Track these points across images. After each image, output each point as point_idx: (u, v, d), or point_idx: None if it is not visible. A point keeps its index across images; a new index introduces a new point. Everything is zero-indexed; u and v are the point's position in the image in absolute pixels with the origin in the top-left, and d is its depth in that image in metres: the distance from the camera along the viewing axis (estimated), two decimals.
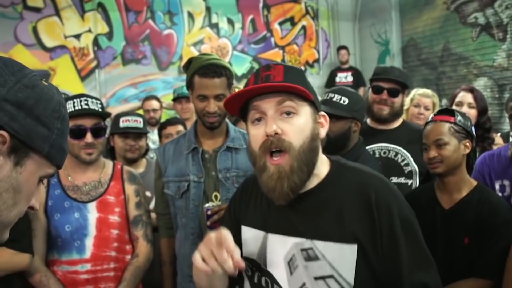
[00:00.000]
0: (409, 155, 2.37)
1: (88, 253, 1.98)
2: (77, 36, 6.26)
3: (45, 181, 2.02)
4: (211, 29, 6.97)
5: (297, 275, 1.17)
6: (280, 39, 7.55)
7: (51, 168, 0.84)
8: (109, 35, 6.41)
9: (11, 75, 0.77)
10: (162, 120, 4.79)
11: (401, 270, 1.13)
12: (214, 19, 6.98)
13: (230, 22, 7.09)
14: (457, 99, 2.89)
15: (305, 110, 1.17)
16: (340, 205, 1.16)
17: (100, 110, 2.00)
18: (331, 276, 1.13)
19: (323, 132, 1.22)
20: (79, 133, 1.95)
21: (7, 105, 0.74)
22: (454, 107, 2.71)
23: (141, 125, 2.72)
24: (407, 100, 3.39)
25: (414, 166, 2.36)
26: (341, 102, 2.10)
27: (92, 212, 2.01)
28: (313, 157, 1.17)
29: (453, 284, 1.82)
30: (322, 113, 1.23)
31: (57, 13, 6.15)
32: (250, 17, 7.25)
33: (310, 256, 1.16)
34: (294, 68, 1.23)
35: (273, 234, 1.23)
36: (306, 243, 1.16)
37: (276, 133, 1.13)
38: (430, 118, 2.04)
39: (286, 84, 1.14)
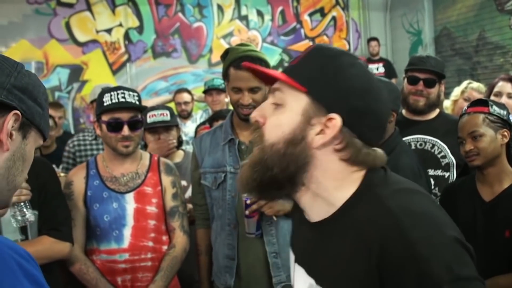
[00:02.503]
0: (446, 147, 2.33)
1: (126, 243, 2.02)
2: (109, 31, 6.35)
3: (84, 172, 2.06)
4: (241, 21, 6.97)
5: None
6: (310, 30, 7.49)
7: (41, 140, 1.01)
8: (140, 29, 6.48)
9: (11, 67, 0.92)
10: (194, 112, 4.83)
11: None
12: (244, 11, 6.97)
13: (260, 14, 7.07)
14: (496, 89, 2.81)
15: (295, 104, 0.93)
16: (348, 250, 0.90)
17: (136, 102, 2.02)
18: None
19: (318, 139, 0.91)
20: (116, 126, 1.98)
21: (15, 91, 0.90)
22: (492, 97, 2.64)
23: (168, 117, 2.73)
24: (458, 91, 3.30)
25: (451, 158, 2.31)
26: None
27: (130, 203, 2.04)
28: (290, 164, 0.92)
29: (493, 278, 1.78)
30: (332, 116, 0.91)
31: (89, 8, 6.25)
32: (280, 8, 7.20)
33: None
34: (321, 53, 0.96)
35: (297, 265, 1.06)
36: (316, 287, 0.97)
37: (256, 121, 0.98)
38: (463, 111, 1.99)
39: (266, 71, 0.99)
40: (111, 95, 1.98)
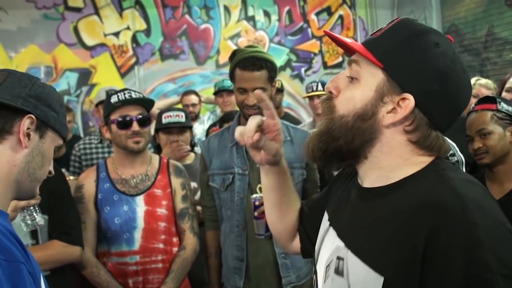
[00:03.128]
0: (454, 145, 2.31)
1: (137, 245, 2.03)
2: (116, 34, 6.38)
3: (94, 175, 2.08)
4: (248, 22, 6.97)
5: (327, 286, 0.99)
6: (317, 29, 7.46)
7: (61, 140, 1.19)
8: (147, 32, 6.50)
9: (27, 80, 1.13)
10: (202, 114, 4.85)
11: None
12: (250, 12, 6.97)
13: (267, 14, 7.06)
14: (508, 85, 2.77)
15: (371, 79, 0.91)
16: (393, 221, 0.87)
17: (144, 99, 2.05)
18: None
19: (388, 118, 0.90)
20: (125, 123, 2.00)
21: (30, 99, 1.10)
22: (504, 93, 2.61)
23: (183, 119, 2.75)
24: None
25: (460, 156, 2.29)
26: None
27: (140, 205, 2.05)
28: (356, 137, 0.92)
29: None
30: (406, 95, 0.88)
31: (97, 12, 6.28)
32: (286, 8, 7.19)
33: (338, 269, 0.96)
34: (405, 29, 0.92)
35: (331, 228, 1.04)
36: (343, 250, 0.96)
37: (330, 91, 0.97)
38: (471, 108, 1.98)
39: (345, 41, 0.95)
40: (118, 95, 2.02)
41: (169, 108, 2.89)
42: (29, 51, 5.98)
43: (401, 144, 0.92)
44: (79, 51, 6.20)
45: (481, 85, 3.16)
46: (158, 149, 2.85)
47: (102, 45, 6.32)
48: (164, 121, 2.72)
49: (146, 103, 2.09)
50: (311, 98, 3.94)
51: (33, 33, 5.98)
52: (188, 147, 2.78)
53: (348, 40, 0.95)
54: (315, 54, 7.44)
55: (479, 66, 6.61)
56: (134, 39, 6.45)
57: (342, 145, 0.93)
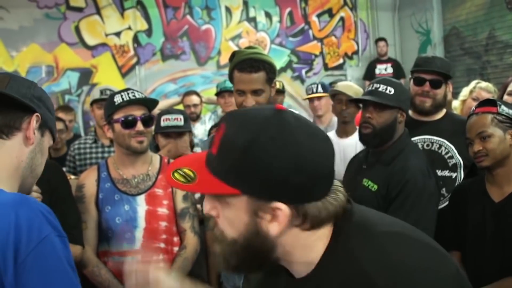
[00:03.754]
0: (453, 147, 2.32)
1: (138, 245, 2.04)
2: (118, 34, 6.40)
3: (95, 174, 2.09)
4: (249, 23, 6.98)
5: None
6: (318, 31, 7.48)
7: (52, 141, 1.27)
8: (148, 32, 6.52)
9: (30, 82, 1.20)
10: (203, 114, 4.85)
11: None
12: (252, 13, 6.99)
13: (268, 15, 7.08)
14: (509, 88, 2.77)
15: (238, 201, 0.87)
16: None
17: (147, 99, 2.06)
18: None
19: (274, 227, 0.86)
20: (129, 122, 2.01)
21: (35, 99, 1.16)
22: (506, 96, 2.61)
23: (181, 122, 2.73)
24: (466, 91, 3.27)
25: (458, 159, 2.30)
26: (387, 92, 2.08)
27: (141, 205, 2.06)
28: (257, 255, 0.89)
29: (502, 280, 1.77)
30: (276, 205, 0.85)
31: (98, 12, 6.30)
32: (288, 9, 7.21)
33: None
34: (231, 138, 0.86)
35: None
36: None
37: (212, 215, 0.93)
38: (471, 111, 1.98)
39: (188, 188, 0.90)
40: (121, 95, 2.02)
41: (168, 111, 2.88)
42: (31, 50, 5.99)
43: (298, 236, 0.89)
44: (80, 50, 6.22)
45: (482, 88, 3.17)
46: (157, 150, 2.85)
47: (103, 45, 6.34)
48: (162, 124, 2.71)
49: (149, 103, 2.10)
50: (311, 100, 3.95)
51: (35, 32, 6.00)
52: (188, 148, 2.78)
53: (194, 190, 0.93)
54: (316, 56, 7.46)
55: (479, 69, 6.62)
56: (135, 39, 6.47)
57: (250, 261, 0.91)
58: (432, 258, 0.86)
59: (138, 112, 2.02)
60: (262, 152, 0.83)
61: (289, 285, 0.97)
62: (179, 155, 2.73)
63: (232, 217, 0.88)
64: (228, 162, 0.85)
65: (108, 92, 3.14)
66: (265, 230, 0.87)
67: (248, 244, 0.88)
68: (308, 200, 0.86)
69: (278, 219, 0.85)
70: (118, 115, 2.01)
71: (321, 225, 0.89)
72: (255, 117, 0.86)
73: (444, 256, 0.88)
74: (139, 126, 2.01)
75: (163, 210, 2.09)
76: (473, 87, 3.23)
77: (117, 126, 2.02)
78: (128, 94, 2.02)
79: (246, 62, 1.95)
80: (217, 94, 4.17)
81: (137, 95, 2.04)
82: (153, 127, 2.09)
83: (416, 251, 0.86)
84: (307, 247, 0.90)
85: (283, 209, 0.85)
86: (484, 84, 3.22)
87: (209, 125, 4.28)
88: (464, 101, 3.21)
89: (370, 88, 2.14)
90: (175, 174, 0.90)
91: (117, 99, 2.02)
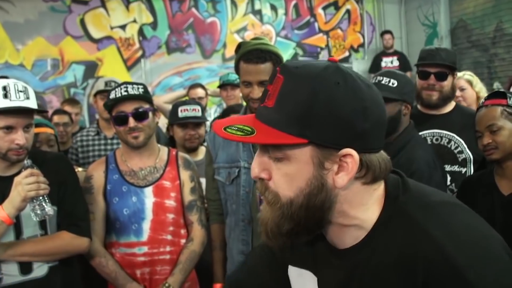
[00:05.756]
0: (462, 141, 2.30)
1: (145, 236, 2.04)
2: (123, 27, 6.39)
3: (103, 166, 2.10)
4: (254, 15, 6.95)
5: None
6: (324, 23, 7.44)
7: None
8: (154, 25, 6.51)
9: None
10: (208, 107, 4.84)
11: None
12: (257, 6, 6.96)
13: (273, 8, 7.05)
14: None
15: (301, 154, 0.83)
16: (383, 276, 0.84)
17: (140, 93, 2.03)
18: None
19: (342, 178, 0.83)
20: (121, 119, 2.01)
21: None
22: None
23: (199, 113, 2.75)
24: None
25: (468, 154, 2.28)
26: (390, 84, 2.06)
27: (149, 197, 2.06)
28: (317, 212, 0.85)
29: None
30: (347, 152, 0.82)
31: (103, 4, 6.29)
32: (293, 2, 7.17)
33: None
34: (300, 86, 0.82)
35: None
36: None
37: (261, 178, 0.88)
38: (480, 103, 1.96)
39: (250, 140, 0.84)
40: (115, 91, 2.02)
41: (185, 102, 2.89)
42: (36, 43, 6.00)
43: (357, 191, 0.86)
44: (85, 43, 6.22)
45: (459, 77, 3.09)
46: (171, 142, 2.84)
47: (109, 38, 6.34)
48: (180, 115, 2.71)
49: (142, 98, 2.06)
50: None
51: (40, 25, 6.01)
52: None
53: (252, 141, 0.85)
54: (321, 49, 7.42)
55: (487, 62, 6.57)
56: (140, 32, 6.46)
57: (304, 225, 0.86)
58: (487, 226, 0.86)
59: (129, 108, 2.00)
60: (329, 98, 0.80)
61: (332, 257, 0.92)
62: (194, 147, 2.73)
63: (292, 173, 0.84)
64: (292, 112, 0.81)
65: (112, 84, 3.14)
66: (330, 183, 0.84)
67: (309, 201, 0.84)
68: (371, 149, 0.84)
69: (346, 168, 0.82)
70: (113, 113, 2.03)
71: (379, 179, 0.87)
72: (314, 66, 0.83)
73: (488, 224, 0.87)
74: (131, 122, 2.00)
75: (170, 202, 2.09)
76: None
77: (114, 123, 2.04)
78: (121, 89, 2.01)
79: (252, 53, 1.94)
80: (220, 86, 4.16)
81: (130, 90, 2.01)
82: (149, 120, 2.06)
83: (473, 219, 0.85)
84: (364, 207, 0.87)
85: (354, 155, 0.82)
86: (461, 73, 3.15)
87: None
88: None
89: (373, 81, 2.13)
90: (228, 130, 0.84)
91: (112, 96, 2.02)
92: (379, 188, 0.88)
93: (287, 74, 0.83)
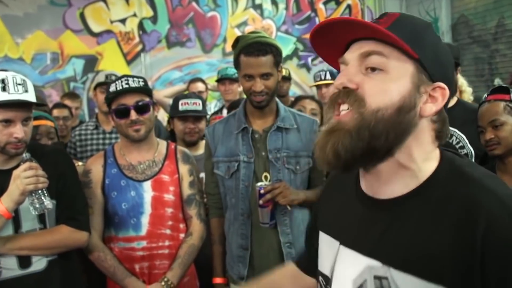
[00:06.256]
0: (464, 137, 2.29)
1: (144, 231, 2.04)
2: (123, 21, 6.36)
3: (102, 160, 2.08)
4: (255, 10, 6.92)
5: None
6: (324, 19, 7.40)
7: None
8: (154, 19, 6.47)
9: None
10: (208, 101, 4.83)
11: None
12: (258, 0, 6.92)
13: (274, 2, 7.01)
14: None
15: (402, 70, 0.87)
16: (435, 226, 0.83)
17: (141, 86, 2.02)
18: None
19: (430, 108, 0.88)
20: (123, 112, 2.00)
21: None
22: None
23: (200, 107, 2.74)
24: None
25: (470, 149, 2.27)
26: None
27: (148, 191, 2.05)
28: (396, 133, 0.86)
29: None
30: (441, 85, 0.88)
31: None
32: None
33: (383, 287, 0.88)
34: (415, 21, 0.91)
35: (345, 248, 0.97)
36: (382, 269, 0.88)
37: (344, 87, 0.88)
38: (483, 98, 1.95)
39: (370, 24, 0.86)
40: (116, 84, 2.01)
41: (187, 95, 2.88)
42: (36, 37, 5.97)
43: (428, 134, 0.90)
44: (85, 37, 6.18)
45: None
46: (172, 135, 2.83)
47: (109, 31, 6.30)
48: (181, 108, 2.71)
49: (143, 91, 2.06)
50: (319, 87, 3.92)
51: (40, 19, 5.97)
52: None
53: (378, 27, 0.86)
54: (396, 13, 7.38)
55: (488, 58, 6.55)
56: (140, 26, 6.42)
57: (381, 142, 0.86)
58: None
59: (131, 101, 2.00)
60: (437, 40, 0.92)
61: (377, 208, 0.93)
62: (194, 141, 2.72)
63: (388, 84, 0.86)
64: (409, 31, 0.88)
65: (113, 78, 3.13)
66: (417, 108, 0.88)
67: (396, 116, 0.85)
68: (451, 95, 0.91)
69: (436, 100, 0.88)
70: (114, 105, 2.01)
71: (443, 137, 0.93)
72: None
73: None
74: (133, 115, 1.99)
75: (169, 196, 2.08)
76: None
77: (114, 116, 2.02)
78: (121, 82, 2.00)
79: (253, 46, 1.93)
80: (218, 81, 4.13)
81: (131, 82, 2.00)
82: (150, 114, 2.05)
83: None
84: (425, 155, 0.90)
85: (446, 89, 0.89)
86: None
87: None
88: None
89: None
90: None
91: (112, 88, 2.01)
92: (438, 150, 0.92)
93: (402, 14, 0.92)
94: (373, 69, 0.88)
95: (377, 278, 0.89)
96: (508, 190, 0.83)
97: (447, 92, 0.88)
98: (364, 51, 0.89)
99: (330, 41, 0.94)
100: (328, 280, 1.00)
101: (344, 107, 0.89)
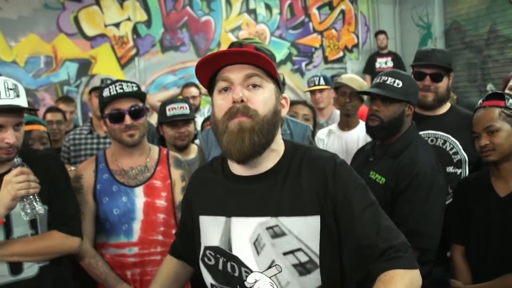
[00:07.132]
0: (458, 143, 2.29)
1: (135, 237, 2.02)
2: (117, 25, 6.34)
3: (93, 165, 2.06)
4: (249, 15, 6.94)
5: (265, 253, 1.20)
6: (318, 24, 7.43)
7: None
8: (148, 23, 6.47)
9: None
10: (202, 106, 4.82)
11: (359, 231, 1.16)
12: (252, 5, 6.94)
13: (268, 7, 7.03)
14: (511, 83, 2.76)
15: (270, 87, 1.23)
16: (298, 181, 1.22)
17: (135, 91, 2.01)
18: (299, 249, 1.18)
19: (283, 112, 1.28)
20: (117, 117, 1.98)
21: None
22: (507, 91, 2.59)
23: (187, 111, 2.73)
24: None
25: (463, 155, 2.27)
26: (395, 85, 2.05)
27: (140, 197, 2.04)
28: (273, 130, 1.22)
29: (505, 276, 1.76)
30: (284, 95, 1.30)
31: (97, 2, 6.24)
32: (288, 1, 7.16)
33: (276, 233, 1.19)
34: (264, 51, 1.34)
35: (236, 218, 1.25)
36: (271, 221, 1.20)
37: (242, 101, 1.17)
38: (478, 104, 1.96)
39: (256, 52, 1.19)
40: (109, 89, 1.99)
41: (172, 100, 2.85)
42: (29, 40, 5.94)
43: (280, 128, 1.31)
44: (79, 41, 6.16)
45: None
46: (162, 141, 2.82)
47: (103, 35, 6.29)
48: (168, 113, 2.69)
49: (137, 96, 2.05)
50: (313, 92, 3.93)
51: (34, 22, 5.94)
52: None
53: (256, 52, 1.28)
54: (316, 49, 7.42)
55: (480, 63, 6.60)
56: (134, 30, 6.42)
57: (270, 140, 1.26)
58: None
59: (125, 106, 1.98)
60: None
61: (250, 185, 1.26)
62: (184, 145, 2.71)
63: (267, 97, 1.24)
64: (270, 58, 1.32)
65: (109, 82, 3.12)
66: (282, 112, 1.30)
67: (273, 118, 1.24)
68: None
69: (284, 106, 1.33)
70: (107, 110, 1.99)
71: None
72: None
73: None
74: (127, 120, 1.98)
75: (161, 202, 2.07)
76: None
77: (108, 121, 2.00)
78: (115, 87, 1.98)
79: None
80: None
81: (125, 87, 1.99)
82: (144, 119, 2.04)
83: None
84: (280, 139, 1.33)
85: (287, 98, 1.36)
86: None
87: None
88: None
89: (378, 80, 2.12)
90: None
91: (106, 93, 1.99)
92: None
93: (256, 47, 1.38)
94: (254, 86, 1.21)
95: (269, 228, 1.20)
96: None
97: (288, 100, 1.33)
98: (249, 72, 1.21)
99: (209, 62, 1.22)
100: (217, 250, 1.27)
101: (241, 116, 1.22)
